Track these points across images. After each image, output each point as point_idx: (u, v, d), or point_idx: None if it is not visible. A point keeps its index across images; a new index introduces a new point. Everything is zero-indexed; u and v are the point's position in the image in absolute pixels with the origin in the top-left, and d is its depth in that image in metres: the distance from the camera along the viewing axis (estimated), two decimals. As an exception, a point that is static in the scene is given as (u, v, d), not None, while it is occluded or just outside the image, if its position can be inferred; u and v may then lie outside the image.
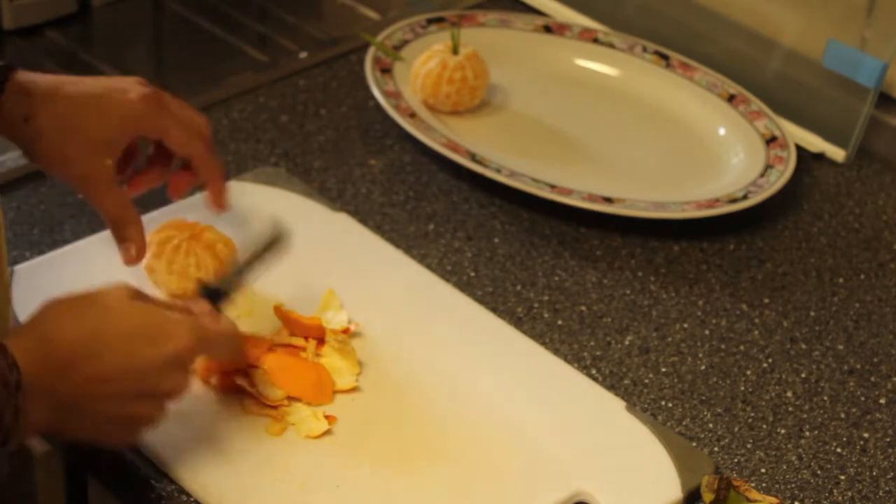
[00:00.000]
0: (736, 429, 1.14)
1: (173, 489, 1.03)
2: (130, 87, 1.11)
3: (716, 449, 1.12)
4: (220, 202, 1.16)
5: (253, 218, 1.24)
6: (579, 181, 1.34)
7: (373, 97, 1.41)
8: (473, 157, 1.32)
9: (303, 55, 1.49)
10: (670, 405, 1.16)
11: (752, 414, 1.16)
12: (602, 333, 1.21)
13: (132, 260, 1.12)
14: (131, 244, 1.12)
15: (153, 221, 1.19)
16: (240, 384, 1.09)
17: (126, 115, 1.10)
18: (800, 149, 1.43)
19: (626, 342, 1.21)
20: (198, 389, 1.09)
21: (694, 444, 1.12)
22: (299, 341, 1.13)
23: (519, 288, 1.25)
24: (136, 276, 1.14)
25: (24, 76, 1.09)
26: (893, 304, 1.28)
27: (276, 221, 1.13)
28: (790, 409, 1.17)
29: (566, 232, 1.31)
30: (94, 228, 1.23)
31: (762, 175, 1.37)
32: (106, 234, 1.21)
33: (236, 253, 1.16)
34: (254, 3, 1.58)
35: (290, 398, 1.08)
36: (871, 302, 1.28)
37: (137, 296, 1.00)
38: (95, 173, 1.10)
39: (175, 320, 1.00)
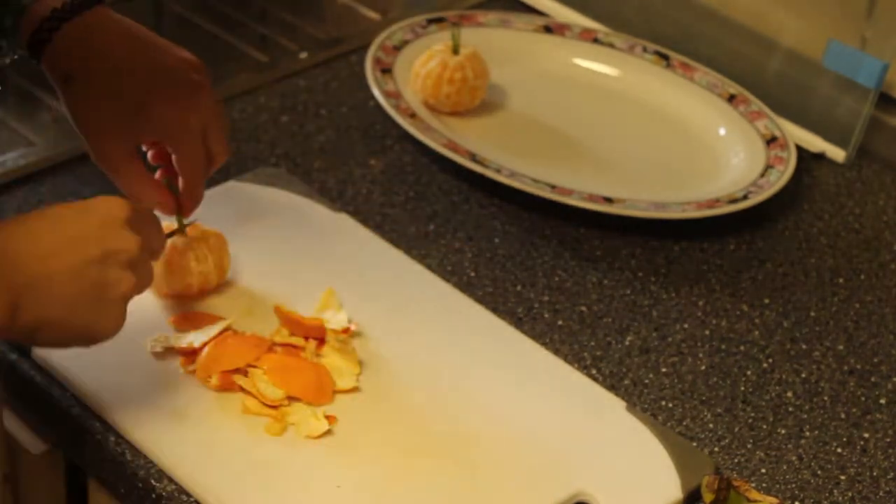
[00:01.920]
0: (736, 429, 1.14)
1: (173, 489, 1.03)
2: (182, 72, 1.08)
3: (716, 449, 1.12)
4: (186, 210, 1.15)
5: (251, 218, 1.24)
6: (579, 181, 1.34)
7: (373, 97, 1.41)
8: (473, 158, 1.32)
9: (303, 55, 1.49)
10: (670, 405, 1.16)
11: (753, 414, 1.16)
12: (602, 333, 1.21)
13: (171, 209, 1.12)
14: (165, 199, 1.12)
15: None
16: (240, 384, 1.09)
17: (166, 102, 1.08)
18: (800, 149, 1.43)
19: (627, 342, 1.21)
20: (198, 389, 1.09)
21: (694, 444, 1.12)
22: (299, 341, 1.13)
23: (519, 288, 1.25)
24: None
25: (79, 30, 1.07)
26: (893, 304, 1.28)
27: None
28: (790, 409, 1.17)
29: (566, 232, 1.31)
30: (94, 228, 1.23)
31: (762, 175, 1.37)
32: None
33: (226, 245, 1.16)
34: (254, 3, 1.58)
35: (290, 398, 1.08)
36: (871, 302, 1.28)
37: None
38: (118, 148, 1.09)
39: (97, 197, 1.00)
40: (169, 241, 1.14)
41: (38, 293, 0.95)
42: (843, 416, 1.17)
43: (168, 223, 1.15)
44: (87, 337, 0.99)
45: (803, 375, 1.20)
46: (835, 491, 1.10)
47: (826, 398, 1.18)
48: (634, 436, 1.10)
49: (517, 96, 1.47)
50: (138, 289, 1.01)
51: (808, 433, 1.15)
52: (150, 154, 1.14)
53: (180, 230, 1.14)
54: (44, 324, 0.96)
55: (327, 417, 1.08)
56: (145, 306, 1.14)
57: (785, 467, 1.12)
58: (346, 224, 1.26)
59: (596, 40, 1.52)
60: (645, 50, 1.51)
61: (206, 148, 1.12)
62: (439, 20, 1.50)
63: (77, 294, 0.96)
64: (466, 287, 1.23)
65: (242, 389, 1.09)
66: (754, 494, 1.05)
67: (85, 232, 0.97)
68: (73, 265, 0.96)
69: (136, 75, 1.08)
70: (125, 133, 1.09)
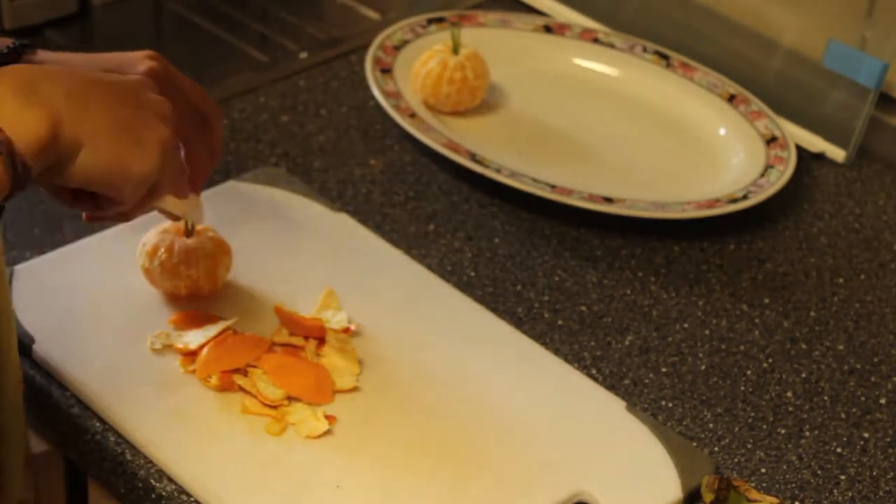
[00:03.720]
0: (736, 429, 1.14)
1: (173, 489, 1.03)
2: (138, 62, 1.08)
3: (716, 449, 1.12)
4: (194, 187, 1.11)
5: (251, 218, 1.24)
6: (579, 181, 1.34)
7: (373, 97, 1.41)
8: (473, 157, 1.32)
9: (303, 55, 1.49)
10: (670, 405, 1.16)
11: (753, 414, 1.16)
12: (602, 333, 1.21)
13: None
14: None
15: (152, 222, 1.19)
16: (240, 384, 1.09)
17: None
18: (800, 149, 1.43)
19: (627, 342, 1.21)
20: (198, 389, 1.09)
21: (694, 444, 1.12)
22: (299, 341, 1.13)
23: (519, 288, 1.25)
24: (132, 279, 1.14)
25: (37, 55, 1.08)
26: (893, 304, 1.28)
27: None
28: (790, 409, 1.17)
29: (566, 232, 1.31)
30: (94, 228, 1.23)
31: (762, 175, 1.37)
32: (106, 234, 1.21)
33: (226, 256, 1.16)
34: (254, 3, 1.58)
35: (290, 398, 1.09)
36: (871, 302, 1.28)
37: None
38: None
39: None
40: (167, 241, 1.14)
41: (79, 101, 0.93)
42: (843, 416, 1.17)
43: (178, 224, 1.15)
44: (124, 169, 0.95)
45: (803, 375, 1.20)
46: (835, 491, 1.10)
47: (826, 398, 1.18)
48: (634, 436, 1.10)
49: (517, 96, 1.47)
50: (173, 147, 0.99)
51: (808, 433, 1.15)
52: None
53: (187, 232, 1.14)
54: (87, 137, 0.94)
55: (327, 417, 1.08)
56: (145, 306, 1.14)
57: (785, 467, 1.12)
58: (346, 224, 1.26)
59: (596, 40, 1.52)
60: (645, 50, 1.51)
61: (195, 107, 1.09)
62: (439, 20, 1.50)
63: (114, 118, 0.95)
64: (466, 287, 1.23)
65: (242, 389, 1.09)
66: (754, 494, 1.05)
67: (118, 79, 0.98)
68: (109, 87, 0.96)
69: (95, 65, 1.08)
70: None
